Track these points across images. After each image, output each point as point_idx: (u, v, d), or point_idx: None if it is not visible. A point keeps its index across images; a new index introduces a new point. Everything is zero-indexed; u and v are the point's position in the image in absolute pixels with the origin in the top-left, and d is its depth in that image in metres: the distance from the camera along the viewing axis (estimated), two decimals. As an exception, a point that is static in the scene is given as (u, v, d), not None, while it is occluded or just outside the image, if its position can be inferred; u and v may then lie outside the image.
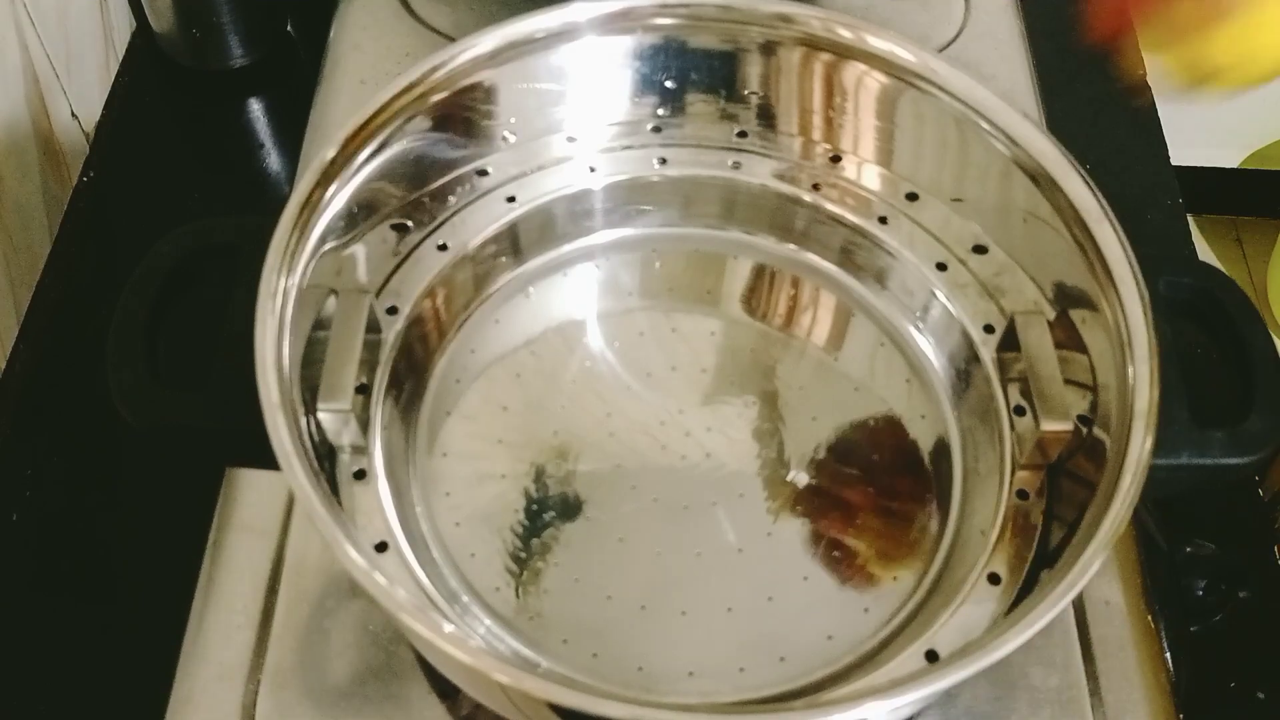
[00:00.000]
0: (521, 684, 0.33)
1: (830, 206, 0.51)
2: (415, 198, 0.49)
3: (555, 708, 0.34)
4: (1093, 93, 0.67)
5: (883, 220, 0.51)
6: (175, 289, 0.44)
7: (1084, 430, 0.43)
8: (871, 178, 0.51)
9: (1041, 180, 0.45)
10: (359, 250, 0.47)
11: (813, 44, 0.49)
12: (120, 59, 0.69)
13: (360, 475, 0.44)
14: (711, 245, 0.53)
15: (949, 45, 0.65)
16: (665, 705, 0.40)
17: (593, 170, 0.52)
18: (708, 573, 0.44)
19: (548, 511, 0.45)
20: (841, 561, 0.44)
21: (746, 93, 0.52)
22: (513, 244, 0.51)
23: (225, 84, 0.67)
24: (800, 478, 0.47)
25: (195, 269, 0.44)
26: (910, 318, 0.50)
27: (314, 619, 0.45)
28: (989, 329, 0.48)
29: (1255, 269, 1.49)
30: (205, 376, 0.41)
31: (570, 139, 0.52)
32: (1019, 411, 0.46)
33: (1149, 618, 0.47)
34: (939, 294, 0.49)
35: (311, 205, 0.43)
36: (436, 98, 0.46)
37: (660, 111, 0.52)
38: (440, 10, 0.66)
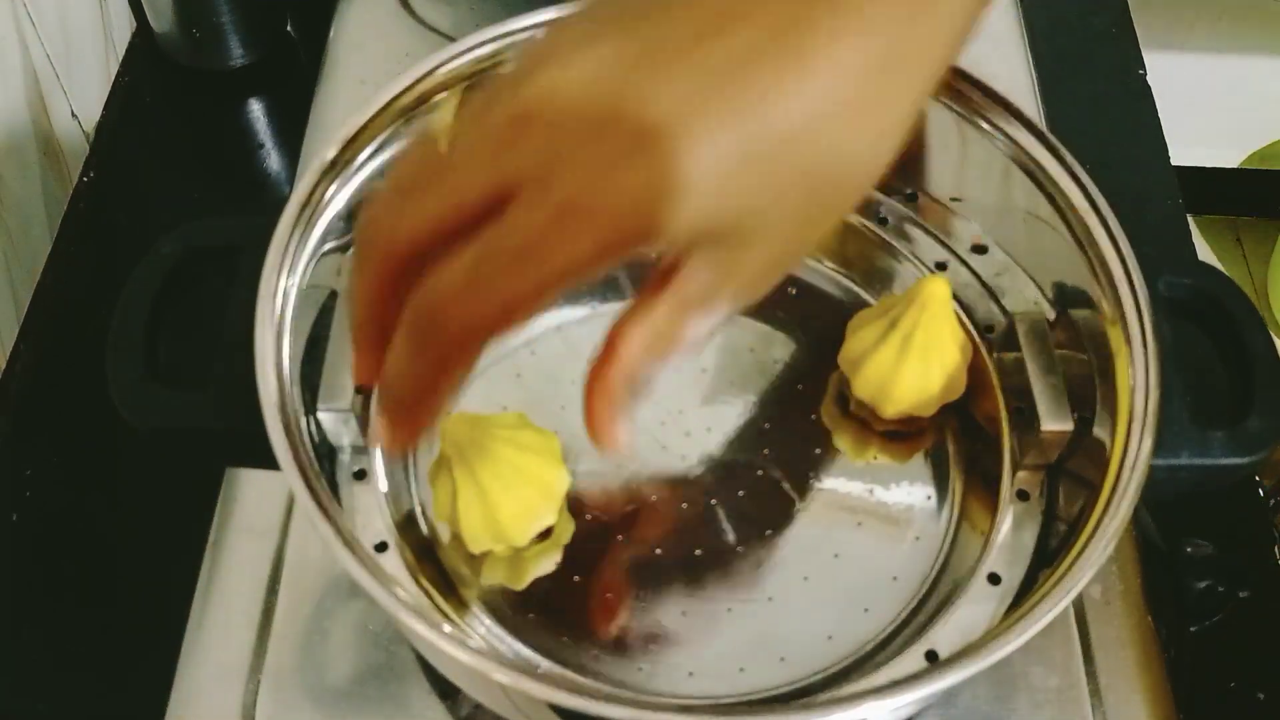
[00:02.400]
0: (521, 684, 0.33)
1: (830, 206, 0.51)
2: (415, 198, 0.49)
3: (555, 708, 0.34)
4: (1093, 93, 0.67)
5: (883, 220, 0.51)
6: (175, 289, 0.44)
7: (1084, 430, 0.43)
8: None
9: (1041, 180, 0.45)
10: (359, 250, 0.47)
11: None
12: (120, 59, 0.69)
13: (360, 475, 0.44)
14: (711, 245, 0.53)
15: (949, 45, 0.65)
16: (665, 705, 0.40)
17: (593, 170, 0.52)
18: (708, 573, 0.44)
19: (548, 511, 0.45)
20: (841, 561, 0.44)
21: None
22: (513, 244, 0.51)
23: (225, 84, 0.67)
24: (801, 477, 0.47)
25: (195, 269, 0.44)
26: (910, 318, 0.50)
27: (314, 619, 0.45)
28: (989, 329, 0.48)
29: (1255, 269, 1.49)
30: (205, 376, 0.41)
31: (570, 139, 0.52)
32: (1019, 412, 0.46)
33: (1148, 618, 0.47)
34: (939, 294, 0.49)
35: (311, 205, 0.43)
36: (437, 98, 0.46)
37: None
38: (440, 10, 0.66)
